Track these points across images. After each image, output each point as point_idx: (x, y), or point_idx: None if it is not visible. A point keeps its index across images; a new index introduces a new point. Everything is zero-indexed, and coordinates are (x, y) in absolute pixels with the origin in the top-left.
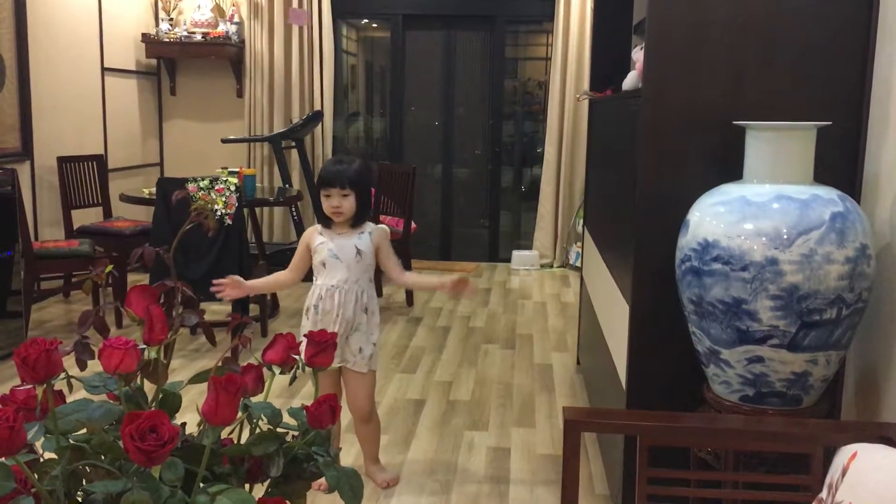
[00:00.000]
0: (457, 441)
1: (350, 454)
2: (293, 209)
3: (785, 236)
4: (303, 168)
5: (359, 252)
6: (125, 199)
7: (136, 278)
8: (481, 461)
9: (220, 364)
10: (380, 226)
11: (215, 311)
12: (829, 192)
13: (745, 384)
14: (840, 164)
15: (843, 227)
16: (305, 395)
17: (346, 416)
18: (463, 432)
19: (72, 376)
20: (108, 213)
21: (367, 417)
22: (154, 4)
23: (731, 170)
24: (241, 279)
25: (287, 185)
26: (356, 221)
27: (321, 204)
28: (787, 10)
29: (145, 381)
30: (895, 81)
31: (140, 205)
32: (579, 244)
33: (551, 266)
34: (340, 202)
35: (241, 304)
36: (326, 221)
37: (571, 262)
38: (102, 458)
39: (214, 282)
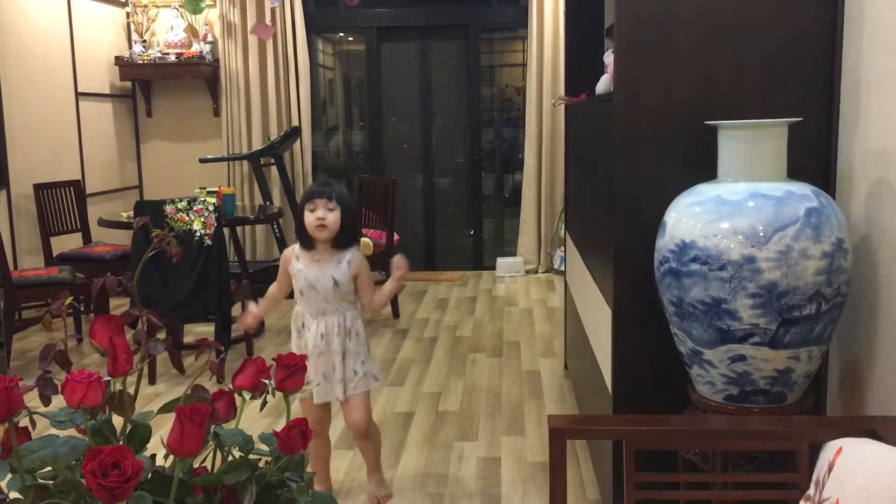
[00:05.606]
0: (447, 453)
1: (341, 471)
2: (275, 226)
3: (761, 234)
4: (283, 184)
5: (336, 283)
6: (104, 223)
7: (119, 303)
8: (472, 472)
9: (188, 392)
10: (360, 254)
11: (199, 332)
12: (803, 188)
13: (729, 383)
14: (813, 160)
15: (819, 223)
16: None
17: (335, 434)
18: (453, 443)
19: (36, 412)
20: (87, 239)
21: (366, 433)
22: (126, 27)
23: (706, 169)
24: (253, 309)
25: (268, 203)
26: (339, 244)
27: (303, 222)
28: (754, 9)
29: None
30: (863, 72)
31: (119, 229)
32: (563, 248)
33: (536, 271)
34: (325, 214)
35: (223, 325)
36: (306, 242)
37: (556, 266)
38: (68, 496)
39: (239, 317)
